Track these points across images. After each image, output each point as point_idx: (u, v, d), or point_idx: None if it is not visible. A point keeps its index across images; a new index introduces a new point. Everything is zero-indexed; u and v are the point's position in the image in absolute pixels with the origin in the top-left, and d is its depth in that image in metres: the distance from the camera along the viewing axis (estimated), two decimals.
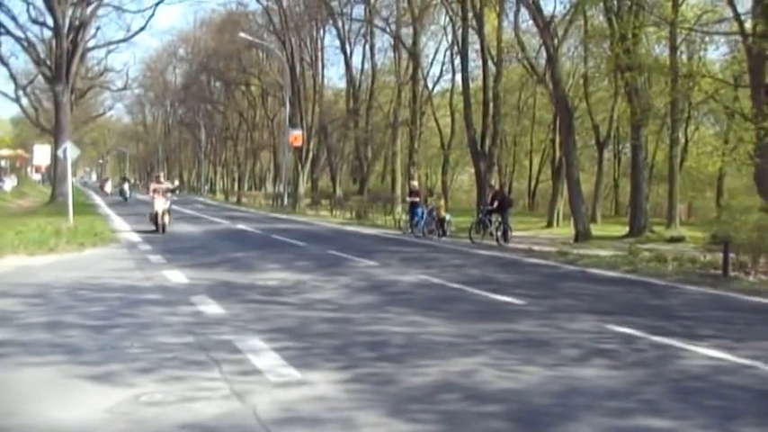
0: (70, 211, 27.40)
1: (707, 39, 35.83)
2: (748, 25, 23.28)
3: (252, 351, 8.02)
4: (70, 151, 27.87)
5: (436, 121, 61.40)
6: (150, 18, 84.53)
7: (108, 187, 79.73)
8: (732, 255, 16.37)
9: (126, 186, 64.60)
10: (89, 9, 51.75)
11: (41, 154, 57.54)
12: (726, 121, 42.74)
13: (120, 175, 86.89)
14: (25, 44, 51.88)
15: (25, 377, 7.02)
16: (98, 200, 62.10)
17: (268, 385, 6.73)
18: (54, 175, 52.90)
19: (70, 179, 30.24)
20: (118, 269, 15.63)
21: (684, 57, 38.84)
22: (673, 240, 27.77)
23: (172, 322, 9.75)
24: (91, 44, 57.71)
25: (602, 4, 31.38)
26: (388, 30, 55.72)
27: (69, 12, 49.82)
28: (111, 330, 9.16)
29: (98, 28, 58.16)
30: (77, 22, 50.29)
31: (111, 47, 62.65)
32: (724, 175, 45.62)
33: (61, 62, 48.87)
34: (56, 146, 42.68)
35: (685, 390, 6.89)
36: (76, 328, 9.25)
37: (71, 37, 49.63)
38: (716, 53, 45.59)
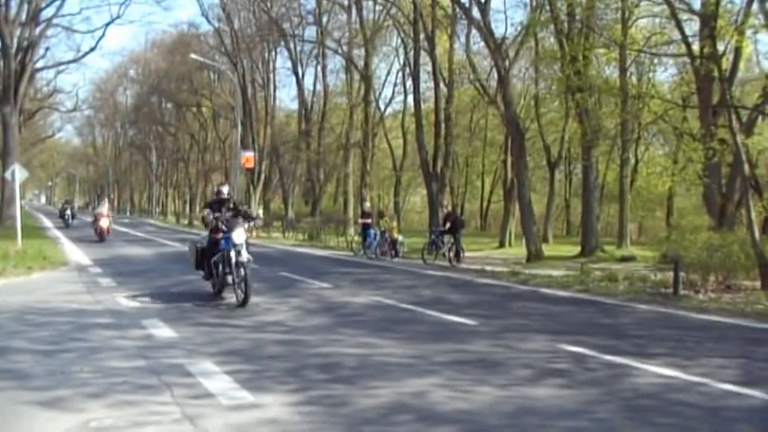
0: (18, 234, 27.05)
1: (656, 60, 36.44)
2: (696, 47, 23.59)
3: (204, 374, 7.96)
4: (18, 173, 27.52)
5: (388, 142, 61.65)
6: (100, 39, 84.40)
7: (68, 212, 55.98)
8: (682, 273, 16.52)
9: (69, 211, 56.34)
10: (38, 29, 51.26)
11: None
12: (675, 142, 43.18)
13: (63, 198, 79.33)
14: None
15: None
16: (47, 222, 61.35)
17: (220, 408, 6.69)
18: (1, 197, 52.17)
19: (18, 202, 29.87)
20: (67, 293, 15.44)
21: (634, 78, 39.40)
22: (624, 260, 28.04)
23: (123, 346, 9.65)
24: (40, 65, 57.16)
25: (552, 27, 31.74)
26: (340, 51, 55.81)
27: (17, 32, 49.31)
28: (60, 355, 9.04)
29: (47, 48, 58.12)
30: (26, 43, 49.80)
31: (61, 68, 62.34)
32: (673, 194, 46.10)
33: (9, 83, 48.30)
34: (3, 168, 42.13)
35: (637, 408, 6.93)
36: (25, 353, 9.12)
37: (19, 57, 49.11)
38: (665, 74, 46.36)
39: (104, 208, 38.03)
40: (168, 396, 7.10)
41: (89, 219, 49.69)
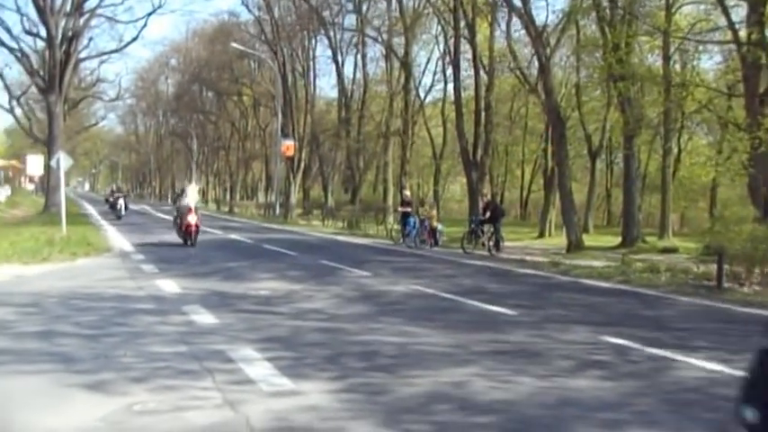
0: (63, 221, 27.35)
1: (700, 48, 36.00)
2: (743, 34, 23.31)
3: (244, 360, 8.01)
4: (63, 161, 27.82)
5: (428, 130, 61.43)
6: (142, 29, 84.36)
7: (120, 201, 46.03)
8: (726, 265, 16.35)
9: (121, 200, 45.55)
10: (82, 20, 51.82)
11: (35, 164, 57.33)
12: (719, 131, 42.78)
13: (113, 185, 61.61)
14: (19, 55, 51.83)
15: (19, 386, 7.02)
16: (91, 209, 61.86)
17: (261, 395, 6.72)
18: (47, 184, 52.77)
19: (63, 189, 30.18)
20: (111, 278, 15.61)
21: (678, 66, 38.95)
22: (665, 251, 27.77)
23: (165, 331, 9.74)
24: (84, 55, 57.77)
25: (594, 14, 31.43)
26: (379, 39, 55.70)
27: (62, 23, 49.82)
28: (104, 339, 9.15)
29: (91, 38, 58.31)
30: (70, 33, 50.33)
31: (104, 57, 62.73)
32: (717, 185, 45.62)
33: (54, 73, 48.84)
34: (49, 156, 42.54)
35: (680, 402, 6.88)
36: (70, 337, 9.24)
37: (64, 47, 49.64)
38: (709, 62, 45.62)
39: (193, 197, 26.46)
40: (210, 381, 7.16)
41: (134, 207, 48.10)
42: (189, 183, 34.11)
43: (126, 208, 46.14)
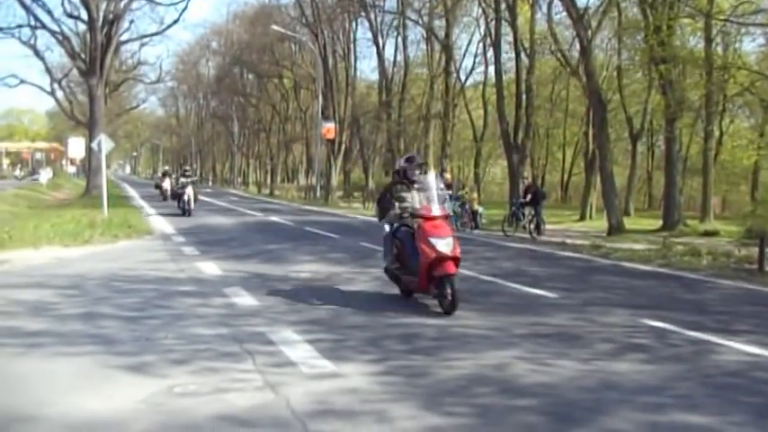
0: (105, 204, 27.61)
1: (743, 30, 35.49)
2: None
3: (285, 343, 8.06)
4: (104, 144, 28.07)
5: (469, 113, 61.27)
6: (183, 11, 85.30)
7: (189, 192, 32.70)
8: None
9: (189, 189, 32.67)
10: (123, 2, 52.24)
11: (76, 147, 57.81)
12: (761, 114, 42.34)
13: (181, 170, 39.44)
14: (60, 38, 52.33)
15: (61, 367, 7.10)
16: (132, 192, 62.36)
17: (301, 377, 6.76)
18: (89, 167, 53.26)
19: (104, 171, 30.43)
20: (152, 261, 15.71)
21: (720, 48, 38.48)
22: (707, 234, 27.53)
23: (206, 314, 9.80)
24: (125, 37, 58.09)
25: None
26: (420, 22, 55.51)
27: (103, 5, 50.27)
28: (145, 321, 9.23)
29: (132, 21, 58.79)
30: (111, 16, 50.73)
31: (145, 40, 63.07)
32: (759, 168, 45.16)
33: (95, 55, 49.29)
34: (90, 138, 42.94)
35: (721, 385, 6.83)
36: (111, 319, 9.32)
37: (105, 30, 50.06)
38: (752, 45, 45.06)
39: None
40: (250, 364, 7.21)
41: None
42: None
43: (195, 200, 33.53)
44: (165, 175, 47.38)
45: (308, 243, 21.15)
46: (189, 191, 32.45)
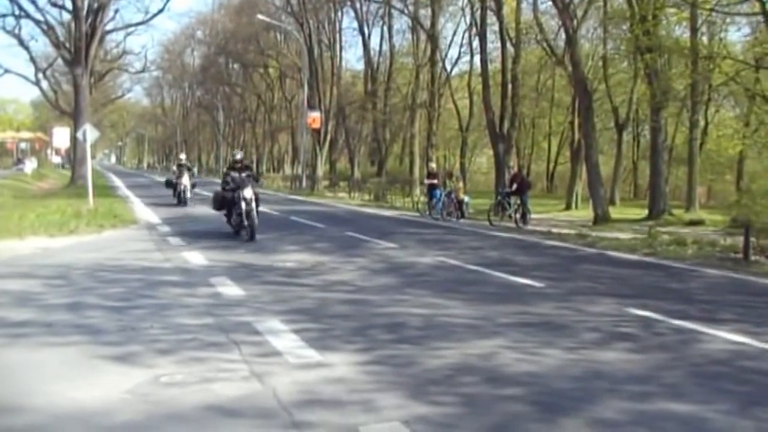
0: (90, 194, 27.50)
1: (728, 20, 35.55)
2: None
3: (271, 332, 8.04)
4: (90, 133, 27.95)
5: (454, 103, 61.22)
6: (168, 1, 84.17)
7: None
8: (753, 238, 16.25)
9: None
10: None
11: (61, 137, 57.72)
12: (747, 104, 42.38)
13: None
14: (45, 27, 52.00)
15: (47, 357, 7.07)
16: (118, 182, 62.18)
17: (288, 367, 6.75)
18: (74, 157, 53.07)
19: (90, 161, 30.31)
20: (137, 251, 15.68)
21: (705, 38, 38.51)
22: (692, 223, 27.66)
23: (191, 303, 9.78)
24: (109, 27, 57.60)
25: None
26: (406, 11, 55.44)
27: None
28: (131, 311, 9.20)
29: (116, 11, 58.29)
30: (96, 5, 50.38)
31: (130, 29, 62.56)
32: (744, 158, 45.19)
33: (80, 45, 48.97)
34: (75, 128, 42.81)
35: (707, 374, 6.86)
36: (97, 309, 9.29)
37: (90, 20, 49.72)
38: (737, 34, 45.12)
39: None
40: (236, 354, 7.19)
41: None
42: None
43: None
44: (180, 167, 34.42)
45: (293, 233, 21.14)
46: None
